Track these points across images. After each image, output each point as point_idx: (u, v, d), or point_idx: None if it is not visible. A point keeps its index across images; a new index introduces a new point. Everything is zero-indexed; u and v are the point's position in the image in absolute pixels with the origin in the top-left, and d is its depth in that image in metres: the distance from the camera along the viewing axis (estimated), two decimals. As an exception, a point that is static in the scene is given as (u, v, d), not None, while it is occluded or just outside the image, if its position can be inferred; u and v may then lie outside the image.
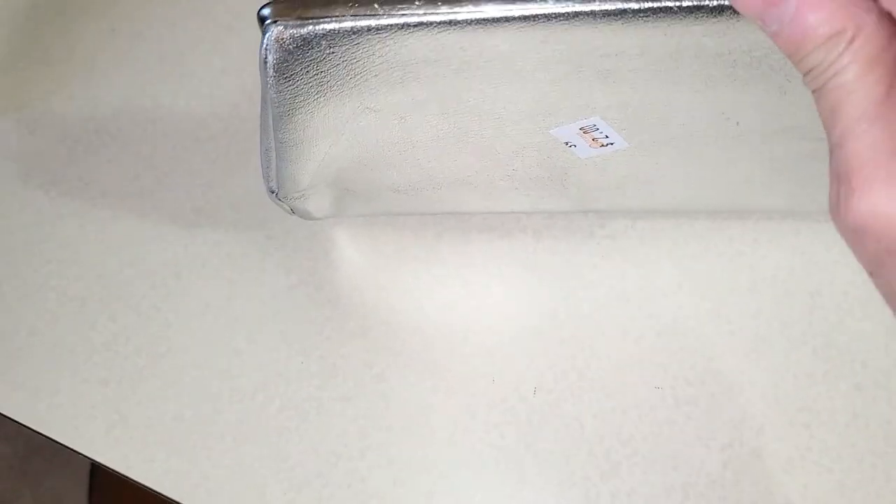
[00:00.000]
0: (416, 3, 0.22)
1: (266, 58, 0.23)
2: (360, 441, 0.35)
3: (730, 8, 0.22)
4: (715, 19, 0.23)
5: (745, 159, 0.30)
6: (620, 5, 0.22)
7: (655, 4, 0.22)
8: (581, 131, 0.28)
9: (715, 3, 0.22)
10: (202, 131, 0.42)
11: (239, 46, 0.43)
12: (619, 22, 0.22)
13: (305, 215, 0.34)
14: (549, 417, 0.35)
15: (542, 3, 0.22)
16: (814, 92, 0.20)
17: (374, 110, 0.27)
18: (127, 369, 0.37)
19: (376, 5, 0.22)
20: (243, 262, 0.39)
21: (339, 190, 0.33)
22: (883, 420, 0.33)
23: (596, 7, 0.22)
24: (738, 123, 0.27)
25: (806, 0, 0.19)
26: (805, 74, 0.20)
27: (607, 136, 0.28)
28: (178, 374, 0.37)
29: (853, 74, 0.19)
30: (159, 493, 0.35)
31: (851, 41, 0.19)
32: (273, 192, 0.31)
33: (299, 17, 0.23)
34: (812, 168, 0.31)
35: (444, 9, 0.22)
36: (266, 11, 0.23)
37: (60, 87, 0.43)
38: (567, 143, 0.29)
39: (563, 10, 0.22)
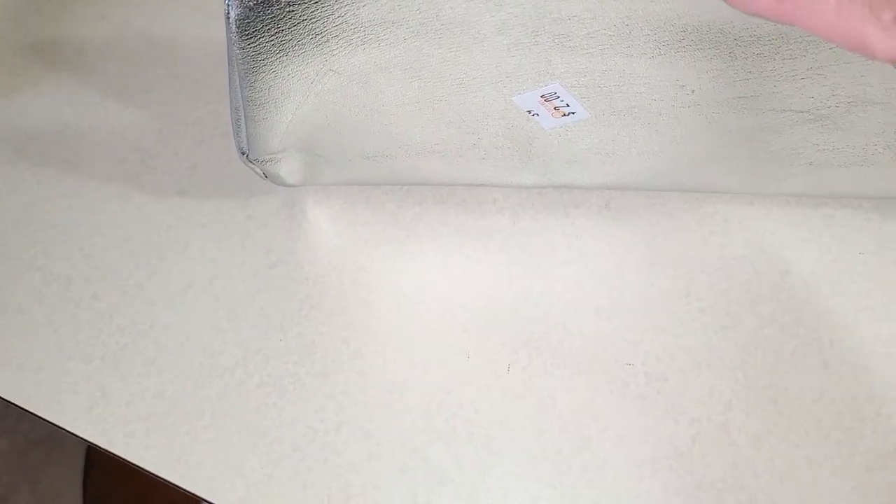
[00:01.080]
0: None
1: (228, 13, 0.24)
2: (336, 416, 0.36)
3: None
4: None
5: (703, 132, 0.31)
6: None
7: None
8: (542, 99, 0.29)
9: None
10: (189, 114, 0.42)
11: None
12: None
13: (278, 180, 0.35)
14: (523, 394, 0.35)
15: None
16: None
17: (338, 72, 0.27)
18: (110, 347, 0.38)
19: None
20: (225, 242, 0.39)
21: (311, 155, 0.33)
22: (849, 396, 0.34)
23: None
24: (693, 91, 0.28)
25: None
26: None
27: (568, 105, 0.29)
28: (160, 351, 0.38)
29: None
30: (140, 467, 0.36)
31: None
32: (244, 154, 0.32)
33: None
34: (772, 143, 0.32)
35: None
36: None
37: (49, 72, 0.44)
38: (530, 112, 0.30)
39: None
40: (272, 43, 0.25)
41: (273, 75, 0.27)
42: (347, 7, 0.24)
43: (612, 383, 0.35)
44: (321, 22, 0.25)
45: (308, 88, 0.28)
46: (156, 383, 0.37)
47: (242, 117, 0.30)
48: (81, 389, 0.37)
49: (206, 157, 0.41)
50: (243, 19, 0.25)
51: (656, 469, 0.34)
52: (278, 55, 0.26)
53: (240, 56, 0.26)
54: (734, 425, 0.34)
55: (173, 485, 0.36)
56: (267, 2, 0.24)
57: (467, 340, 0.36)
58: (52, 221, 0.41)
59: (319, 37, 0.25)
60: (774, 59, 0.27)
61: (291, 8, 0.24)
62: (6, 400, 0.38)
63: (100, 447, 0.37)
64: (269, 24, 0.25)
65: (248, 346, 0.37)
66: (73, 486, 0.87)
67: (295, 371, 0.37)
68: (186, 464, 0.36)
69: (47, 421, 0.37)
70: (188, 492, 0.35)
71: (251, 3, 0.24)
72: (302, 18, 0.25)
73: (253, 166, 0.34)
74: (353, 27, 0.25)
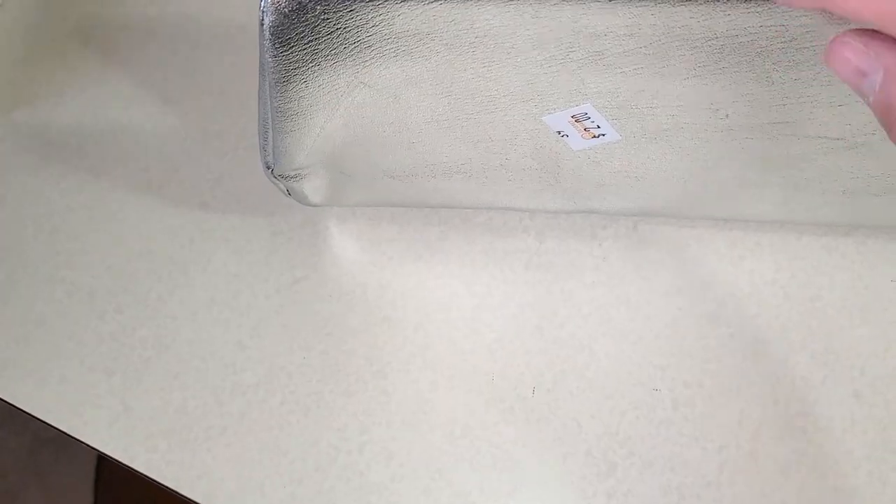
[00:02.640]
0: None
1: (263, 20, 0.24)
2: (359, 436, 0.36)
3: None
4: (701, 1, 0.23)
5: (735, 158, 0.30)
6: None
7: None
8: (573, 119, 0.28)
9: None
10: (212, 126, 0.42)
11: (251, 44, 0.43)
12: (609, 7, 0.23)
13: (302, 198, 0.35)
14: (548, 417, 0.35)
15: None
16: None
17: (369, 85, 0.27)
18: (133, 360, 0.38)
19: None
20: (249, 257, 0.39)
21: (336, 173, 0.33)
22: (880, 427, 0.33)
23: None
24: (726, 116, 0.28)
25: (891, 74, 0.20)
26: None
27: (599, 126, 0.29)
28: (183, 366, 0.37)
29: None
30: (161, 484, 0.36)
31: None
32: (269, 168, 0.31)
33: None
34: (805, 170, 0.31)
35: None
36: None
37: (73, 81, 0.44)
38: (559, 133, 0.29)
39: None
40: (305, 52, 0.25)
41: (304, 85, 0.27)
42: (382, 17, 0.24)
43: (639, 408, 0.35)
44: (355, 32, 0.24)
45: (338, 101, 0.28)
46: (178, 398, 0.37)
47: (270, 129, 0.29)
48: (103, 403, 0.37)
49: (230, 170, 0.41)
50: (277, 26, 0.24)
51: (683, 496, 0.33)
52: (311, 65, 0.26)
53: (272, 64, 0.26)
54: (763, 453, 0.33)
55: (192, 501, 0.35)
56: (302, 9, 0.24)
57: (492, 362, 0.36)
58: (74, 232, 0.41)
59: (353, 47, 0.25)
60: (812, 85, 0.27)
61: (326, 16, 0.24)
62: (29, 413, 0.37)
63: (121, 462, 0.36)
64: (304, 32, 0.24)
65: (271, 363, 0.37)
66: (83, 485, 0.87)
67: (318, 389, 0.36)
68: (207, 481, 0.36)
69: (69, 435, 0.37)
70: (209, 510, 0.35)
71: (286, 10, 0.24)
72: (336, 27, 0.24)
73: (277, 182, 0.33)
74: (386, 38, 0.25)
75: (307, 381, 0.37)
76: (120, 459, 0.36)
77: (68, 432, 0.37)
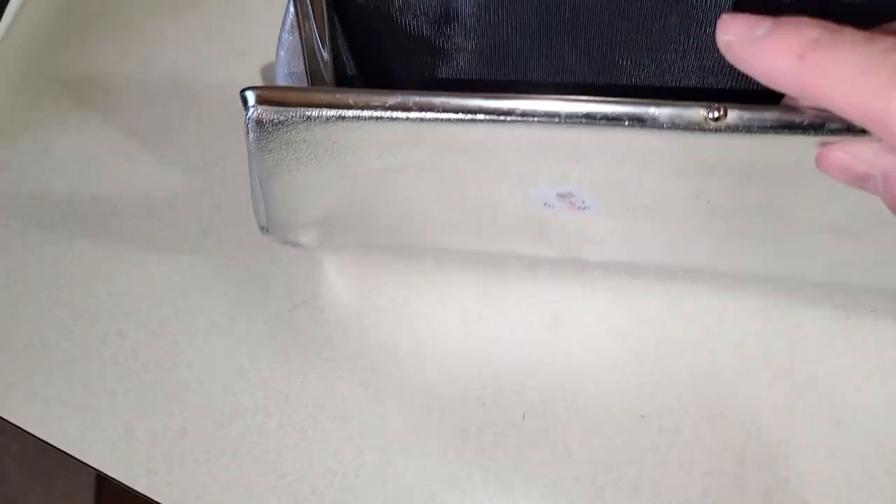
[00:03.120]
0: (388, 101, 0.24)
1: (247, 132, 0.25)
2: (355, 459, 0.37)
3: (682, 125, 0.23)
4: (671, 133, 0.23)
5: (719, 231, 0.31)
6: (587, 109, 0.23)
7: (619, 110, 0.23)
8: (558, 196, 0.29)
9: (666, 117, 0.23)
10: (211, 154, 0.43)
11: (250, 73, 0.44)
12: (587, 127, 0.23)
13: (297, 246, 0.36)
14: (538, 442, 0.36)
15: (513, 100, 0.23)
16: None
17: (354, 175, 0.28)
18: (134, 383, 0.39)
19: (350, 100, 0.24)
20: (248, 283, 0.40)
21: (330, 228, 0.34)
22: (859, 455, 0.34)
23: (561, 109, 0.23)
24: (708, 201, 0.28)
25: (887, 171, 0.21)
26: None
27: (584, 201, 0.29)
28: (183, 389, 0.38)
29: None
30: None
31: None
32: (264, 229, 0.32)
33: (278, 104, 0.24)
34: (788, 246, 0.32)
35: (413, 114, 0.24)
36: (248, 95, 0.24)
37: (75, 109, 0.45)
38: (545, 204, 0.30)
39: (531, 109, 0.23)
40: (289, 157, 0.26)
41: (291, 179, 0.28)
42: (363, 133, 0.25)
43: (626, 434, 0.36)
44: (338, 143, 0.25)
45: (325, 187, 0.29)
46: (178, 421, 0.38)
47: (262, 204, 0.30)
48: (106, 425, 0.38)
49: (228, 196, 0.42)
50: (261, 139, 0.25)
51: (668, 521, 0.34)
52: (296, 165, 0.27)
53: (258, 164, 0.27)
54: (746, 479, 0.34)
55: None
56: (284, 127, 0.25)
57: (483, 388, 0.37)
58: (76, 258, 0.41)
59: (336, 152, 0.26)
60: (792, 186, 0.27)
61: (308, 133, 0.25)
62: (33, 435, 0.38)
63: (123, 483, 0.37)
64: (287, 144, 0.25)
65: (268, 386, 0.38)
66: (84, 491, 0.89)
67: (315, 414, 0.37)
68: (207, 502, 0.37)
69: (72, 456, 0.38)
70: (209, 532, 0.36)
71: (269, 128, 0.25)
72: (319, 140, 0.25)
73: (273, 237, 0.34)
74: (368, 146, 0.26)
75: (304, 405, 0.38)
76: (121, 480, 0.37)
77: (71, 453, 0.38)
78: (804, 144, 0.23)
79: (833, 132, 0.22)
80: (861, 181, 0.22)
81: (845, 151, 0.22)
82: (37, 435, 0.38)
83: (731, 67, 0.28)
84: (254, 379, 0.38)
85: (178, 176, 0.43)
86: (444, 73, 0.32)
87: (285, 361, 0.38)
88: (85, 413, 0.39)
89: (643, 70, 0.29)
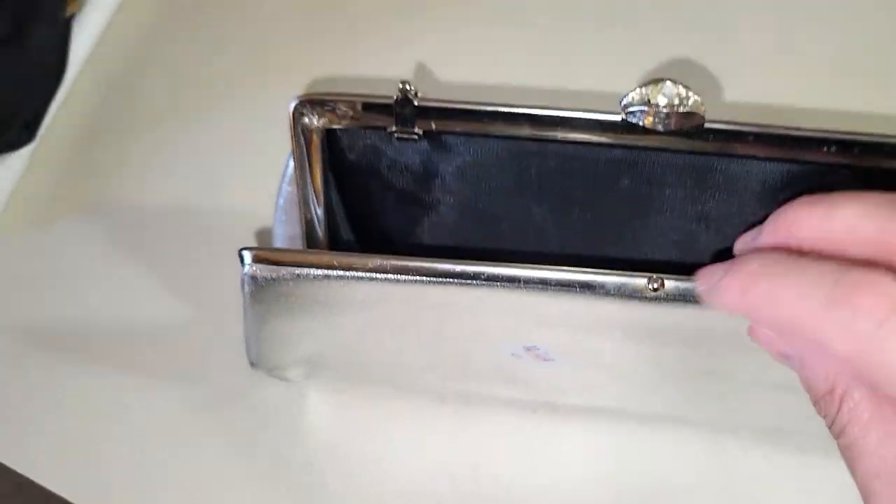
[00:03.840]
0: (368, 263, 0.27)
1: (243, 286, 0.28)
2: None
3: (626, 293, 0.26)
4: (618, 301, 0.26)
5: (672, 389, 0.34)
6: (542, 275, 0.26)
7: (570, 277, 0.26)
8: (524, 348, 0.32)
9: (612, 285, 0.26)
10: (208, 284, 0.45)
11: (250, 209, 0.46)
12: (543, 292, 0.26)
13: (283, 378, 0.38)
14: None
15: (478, 266, 0.26)
16: (834, 437, 0.22)
17: (339, 325, 0.31)
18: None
19: (335, 262, 0.27)
20: (230, 412, 0.42)
21: (315, 365, 0.37)
22: None
23: (521, 275, 0.26)
24: (660, 365, 0.31)
25: (803, 357, 0.23)
26: (824, 419, 0.23)
27: (549, 354, 0.32)
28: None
29: (855, 435, 0.21)
30: None
31: (842, 400, 0.21)
32: (253, 364, 0.35)
33: (272, 263, 0.28)
34: (739, 402, 0.34)
35: (390, 276, 0.27)
36: (245, 254, 0.28)
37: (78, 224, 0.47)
38: (513, 354, 0.33)
39: (494, 273, 0.26)
40: (280, 307, 0.29)
41: (281, 326, 0.31)
42: (346, 290, 0.28)
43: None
44: (324, 298, 0.29)
45: (313, 333, 0.32)
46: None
47: (253, 343, 0.33)
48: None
49: (220, 328, 0.43)
50: (255, 292, 0.29)
51: None
52: (286, 315, 0.30)
53: (251, 313, 0.30)
54: None
55: None
56: (276, 283, 0.28)
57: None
58: (59, 382, 0.43)
59: (323, 305, 0.29)
60: (734, 351, 0.29)
61: (298, 289, 0.28)
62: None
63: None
64: (279, 296, 0.29)
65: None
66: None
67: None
68: None
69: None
70: None
71: (263, 283, 0.28)
72: (307, 295, 0.29)
73: (260, 371, 0.37)
74: (351, 301, 0.29)
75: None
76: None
77: None
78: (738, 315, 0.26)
79: None
80: (784, 358, 0.24)
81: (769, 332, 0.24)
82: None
83: (692, 234, 0.32)
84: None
85: (170, 301, 0.44)
86: (427, 223, 0.35)
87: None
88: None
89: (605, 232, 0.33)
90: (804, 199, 0.23)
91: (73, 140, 0.49)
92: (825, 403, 0.22)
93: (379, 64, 0.48)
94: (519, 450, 0.40)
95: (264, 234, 0.44)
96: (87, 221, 0.46)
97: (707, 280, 0.25)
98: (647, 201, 0.32)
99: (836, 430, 0.22)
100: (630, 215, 0.32)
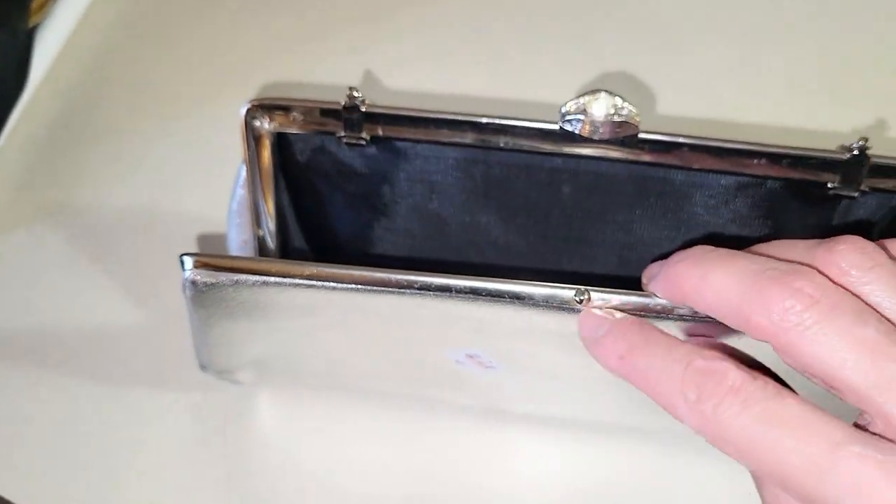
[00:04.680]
0: (306, 271, 0.27)
1: (184, 290, 0.29)
2: None
3: (555, 304, 0.27)
4: (547, 312, 0.27)
5: (610, 395, 0.34)
6: (473, 285, 0.27)
7: (501, 287, 0.27)
8: (467, 356, 0.32)
9: (540, 296, 0.27)
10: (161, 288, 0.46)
11: (207, 209, 0.46)
12: (475, 301, 0.27)
13: (233, 381, 0.39)
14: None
15: (412, 275, 0.27)
16: None
17: (281, 329, 0.31)
18: None
19: (273, 269, 0.27)
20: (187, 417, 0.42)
21: (264, 369, 0.37)
22: None
23: (453, 284, 0.27)
24: (595, 374, 0.30)
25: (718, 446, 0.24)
26: None
27: (490, 362, 0.32)
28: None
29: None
30: None
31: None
32: (203, 367, 0.36)
33: (211, 268, 0.28)
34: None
35: (329, 283, 0.27)
36: (186, 259, 0.28)
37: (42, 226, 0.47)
38: (457, 361, 0.33)
39: (425, 293, 0.27)
40: (221, 312, 0.30)
41: (225, 328, 0.31)
42: (285, 295, 0.28)
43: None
44: (264, 302, 0.29)
45: (256, 337, 0.32)
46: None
47: (201, 346, 0.34)
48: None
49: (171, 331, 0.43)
50: (196, 296, 0.29)
51: None
52: (227, 320, 0.30)
53: (195, 317, 0.31)
54: None
55: None
56: (216, 288, 0.28)
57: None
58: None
59: (263, 310, 0.29)
60: None
61: (237, 293, 0.28)
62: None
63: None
64: (219, 301, 0.29)
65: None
66: None
67: None
68: None
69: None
70: None
71: (203, 288, 0.28)
72: (246, 300, 0.29)
73: (210, 373, 0.37)
74: (292, 305, 0.29)
75: None
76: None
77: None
78: (664, 328, 0.27)
79: (683, 319, 0.26)
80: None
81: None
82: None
83: (630, 245, 0.33)
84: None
85: (126, 308, 0.45)
86: (376, 229, 0.36)
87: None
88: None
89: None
90: (688, 258, 0.25)
91: (33, 149, 0.49)
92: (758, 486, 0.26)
93: (330, 71, 0.49)
94: (470, 457, 0.40)
95: (208, 239, 0.45)
96: (45, 229, 0.47)
97: (590, 327, 0.27)
98: (587, 211, 0.33)
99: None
100: (572, 224, 0.33)
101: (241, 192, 0.38)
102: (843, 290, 0.23)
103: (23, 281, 0.45)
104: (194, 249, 0.45)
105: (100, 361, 0.44)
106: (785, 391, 0.23)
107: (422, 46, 0.50)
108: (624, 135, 0.30)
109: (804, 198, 0.31)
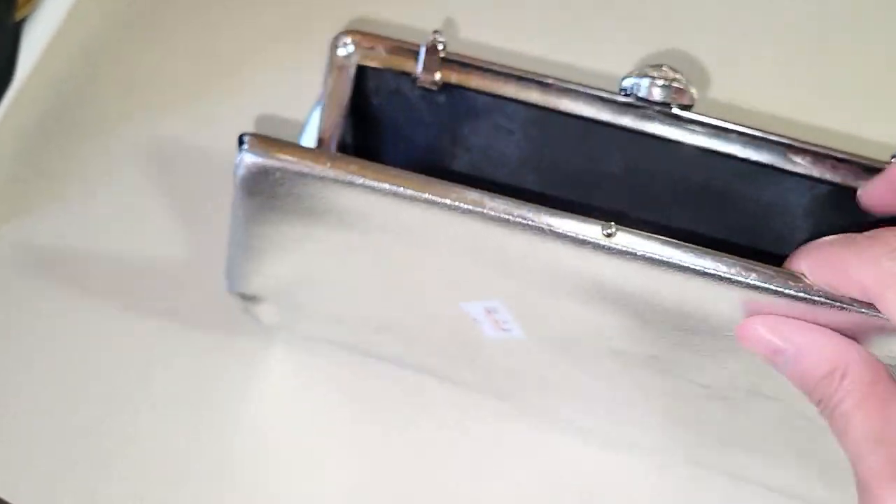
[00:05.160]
0: (352, 166, 0.28)
1: (236, 172, 0.29)
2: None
3: (580, 238, 0.27)
4: (575, 247, 0.27)
5: (621, 379, 0.34)
6: (504, 212, 0.27)
7: (528, 221, 0.27)
8: (485, 311, 0.32)
9: (568, 227, 0.27)
10: (182, 246, 0.45)
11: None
12: (503, 226, 0.27)
13: (256, 319, 0.39)
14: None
15: (445, 187, 0.28)
16: (826, 419, 0.25)
17: (316, 241, 0.32)
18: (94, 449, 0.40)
19: (323, 159, 0.28)
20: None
21: (286, 304, 0.38)
22: None
23: (484, 210, 0.27)
24: (610, 338, 0.31)
25: (801, 348, 0.25)
26: (816, 405, 0.25)
27: (506, 322, 0.32)
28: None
29: (849, 406, 0.24)
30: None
31: (843, 378, 0.24)
32: (231, 286, 0.36)
33: (265, 151, 0.28)
34: (681, 409, 0.34)
35: (371, 181, 0.28)
36: (245, 138, 0.29)
37: (54, 198, 0.47)
38: (475, 320, 0.33)
39: (457, 206, 0.27)
40: (265, 203, 0.30)
41: (262, 228, 0.32)
42: (328, 193, 0.29)
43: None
44: (306, 199, 0.30)
45: (290, 247, 0.33)
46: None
47: (234, 254, 0.34)
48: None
49: (195, 284, 0.44)
50: (246, 179, 0.29)
51: None
52: (269, 214, 0.31)
53: (239, 207, 0.31)
54: None
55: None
56: (265, 171, 0.29)
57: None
58: (51, 314, 0.43)
59: (304, 209, 0.30)
60: (680, 331, 0.30)
61: (283, 181, 0.29)
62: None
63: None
64: (265, 188, 0.29)
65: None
66: None
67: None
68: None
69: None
70: None
71: (253, 170, 0.29)
72: (291, 191, 0.29)
73: (235, 299, 0.38)
74: (330, 209, 0.30)
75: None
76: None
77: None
78: (682, 282, 0.27)
79: (707, 276, 0.26)
80: (775, 355, 0.26)
81: (765, 325, 0.26)
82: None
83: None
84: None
85: (151, 261, 0.45)
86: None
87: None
88: (53, 483, 0.39)
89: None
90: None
91: (22, 142, 0.49)
92: (824, 385, 0.25)
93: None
94: (468, 454, 0.40)
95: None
96: (33, 222, 0.47)
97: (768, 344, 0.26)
98: (634, 187, 0.34)
99: (833, 405, 0.24)
100: (617, 198, 0.34)
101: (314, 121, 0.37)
102: None
103: (10, 278, 0.45)
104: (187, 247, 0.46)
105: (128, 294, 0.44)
106: None
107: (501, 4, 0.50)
108: (680, 111, 0.31)
109: (840, 202, 0.32)
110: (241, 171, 0.29)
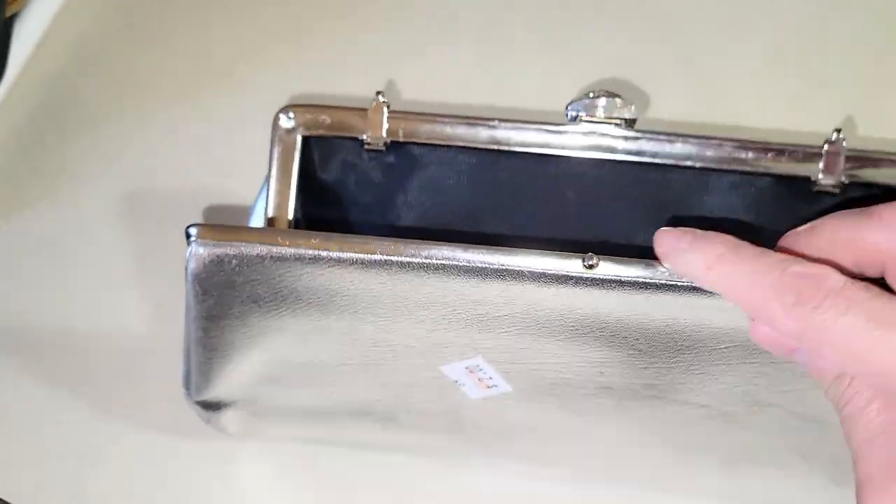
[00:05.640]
0: (313, 240, 0.27)
1: (187, 266, 0.28)
2: None
3: (560, 274, 0.26)
4: (553, 285, 0.26)
5: (617, 416, 0.33)
6: (479, 261, 0.26)
7: (504, 264, 0.26)
8: (467, 370, 0.31)
9: (547, 265, 0.26)
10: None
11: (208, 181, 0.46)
12: (478, 277, 0.27)
13: (219, 428, 0.37)
14: None
15: (414, 253, 0.27)
16: (839, 419, 0.25)
17: (280, 330, 0.30)
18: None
19: (279, 239, 0.27)
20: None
21: (251, 408, 0.36)
22: None
23: (458, 262, 0.26)
24: (601, 374, 0.30)
25: (814, 350, 0.24)
26: (833, 405, 0.25)
27: (491, 378, 0.31)
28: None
29: (856, 407, 0.24)
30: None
31: (851, 381, 0.24)
32: (188, 393, 0.34)
33: (216, 240, 0.27)
34: (681, 434, 0.33)
35: (335, 253, 0.27)
36: (192, 230, 0.27)
37: (45, 196, 0.46)
38: (457, 382, 0.32)
39: (429, 263, 0.27)
40: (222, 297, 0.29)
41: (220, 325, 0.30)
42: (289, 273, 0.28)
43: None
44: (266, 284, 0.28)
45: (252, 341, 0.31)
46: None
47: (191, 359, 0.32)
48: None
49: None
50: (199, 273, 0.28)
51: None
52: (226, 308, 0.29)
53: (193, 304, 0.29)
54: None
55: None
56: (220, 261, 0.27)
57: None
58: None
59: (264, 297, 0.29)
60: (676, 352, 0.29)
61: (240, 269, 0.28)
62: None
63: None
64: (221, 280, 0.28)
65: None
66: None
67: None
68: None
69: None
70: None
71: (206, 261, 0.27)
72: (249, 279, 0.28)
73: (195, 408, 0.35)
74: (293, 292, 0.28)
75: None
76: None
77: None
78: (671, 301, 0.26)
79: (696, 290, 0.26)
80: (790, 352, 0.26)
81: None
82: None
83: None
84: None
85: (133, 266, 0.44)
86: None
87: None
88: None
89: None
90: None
91: (13, 139, 0.48)
92: (835, 387, 0.25)
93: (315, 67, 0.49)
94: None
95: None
96: (25, 219, 0.46)
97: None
98: (590, 207, 0.33)
99: (841, 407, 0.25)
100: (574, 224, 0.34)
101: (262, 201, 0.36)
102: None
103: (1, 272, 0.45)
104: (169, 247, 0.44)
105: (76, 361, 0.42)
106: (887, 293, 0.23)
107: (433, 59, 0.49)
108: (625, 130, 0.31)
109: (792, 194, 0.32)
110: (193, 265, 0.27)
